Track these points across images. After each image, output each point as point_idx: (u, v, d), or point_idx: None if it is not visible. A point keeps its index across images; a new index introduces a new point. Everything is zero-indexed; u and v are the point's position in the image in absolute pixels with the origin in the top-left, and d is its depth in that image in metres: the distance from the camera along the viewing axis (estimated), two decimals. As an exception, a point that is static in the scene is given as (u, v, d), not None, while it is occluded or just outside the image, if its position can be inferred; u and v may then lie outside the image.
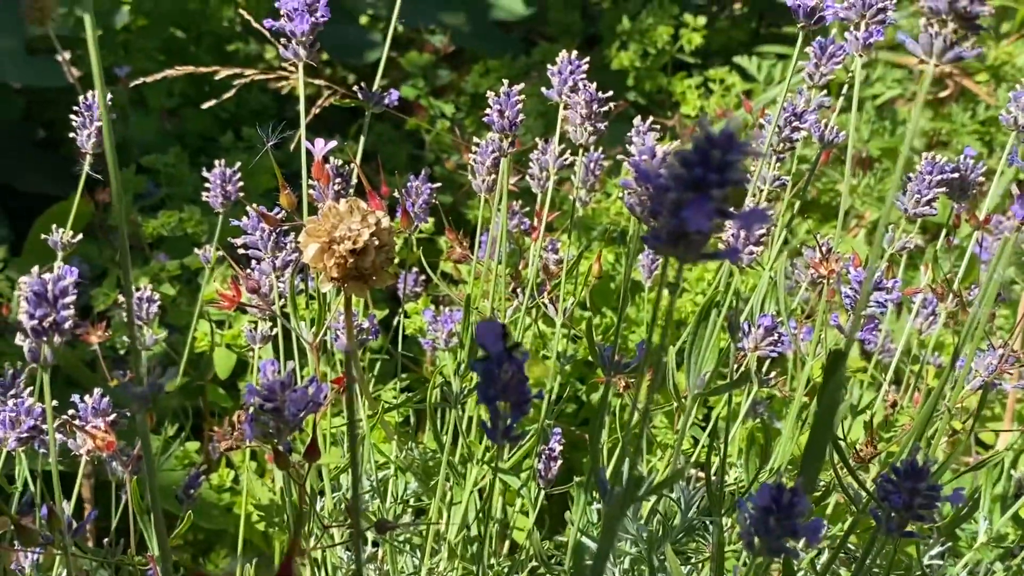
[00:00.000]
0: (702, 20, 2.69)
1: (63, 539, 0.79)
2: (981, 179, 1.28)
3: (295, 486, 0.81)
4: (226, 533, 1.65)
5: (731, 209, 0.61)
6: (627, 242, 2.04)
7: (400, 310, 1.61)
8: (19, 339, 0.74)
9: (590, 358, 1.93)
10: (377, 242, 0.87)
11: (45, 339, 0.73)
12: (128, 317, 0.61)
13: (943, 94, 2.64)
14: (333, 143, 0.98)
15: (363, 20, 3.33)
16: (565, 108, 1.18)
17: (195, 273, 1.96)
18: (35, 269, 0.74)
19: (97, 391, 0.94)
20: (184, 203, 2.08)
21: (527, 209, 1.61)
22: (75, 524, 0.83)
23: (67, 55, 1.38)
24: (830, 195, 2.44)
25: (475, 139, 1.24)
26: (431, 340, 1.57)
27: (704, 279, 1.92)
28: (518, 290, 1.40)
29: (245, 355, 1.79)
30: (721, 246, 1.08)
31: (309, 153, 1.06)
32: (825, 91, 1.25)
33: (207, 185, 1.36)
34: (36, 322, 0.72)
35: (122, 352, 1.76)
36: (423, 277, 1.78)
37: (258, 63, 3.14)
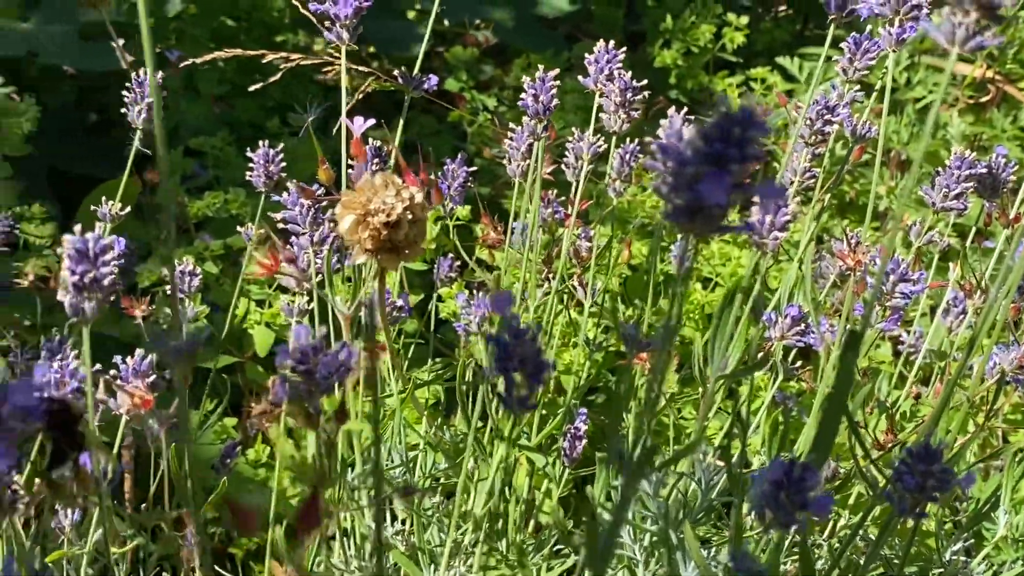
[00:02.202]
0: (744, 19, 2.70)
1: (98, 491, 0.83)
2: (1012, 178, 1.29)
3: (324, 447, 0.84)
4: (260, 508, 1.68)
5: (748, 183, 0.64)
6: (657, 232, 2.06)
7: (435, 295, 1.64)
8: (60, 295, 0.78)
9: (622, 348, 1.95)
10: (410, 216, 0.90)
11: (86, 295, 0.76)
12: (168, 265, 0.64)
13: (984, 99, 2.63)
14: (371, 121, 1.01)
15: (410, 15, 3.38)
16: (601, 96, 1.21)
17: (239, 253, 2.00)
18: (78, 228, 0.77)
19: (138, 353, 0.97)
20: (231, 186, 2.13)
21: (562, 198, 1.64)
22: (110, 476, 0.87)
23: (115, 42, 1.42)
24: (868, 196, 2.44)
25: (511, 125, 1.27)
26: (464, 324, 1.60)
27: (737, 274, 1.93)
28: (550, 276, 1.43)
29: (283, 334, 1.83)
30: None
31: (349, 134, 1.09)
32: (861, 90, 1.27)
33: (251, 165, 1.40)
34: (77, 278, 0.76)
35: (164, 328, 1.81)
36: (458, 263, 1.81)
37: (307, 54, 3.19)
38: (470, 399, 1.35)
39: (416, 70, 1.28)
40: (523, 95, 1.16)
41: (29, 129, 1.93)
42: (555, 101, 1.15)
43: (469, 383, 1.32)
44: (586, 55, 1.23)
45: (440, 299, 1.83)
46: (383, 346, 0.98)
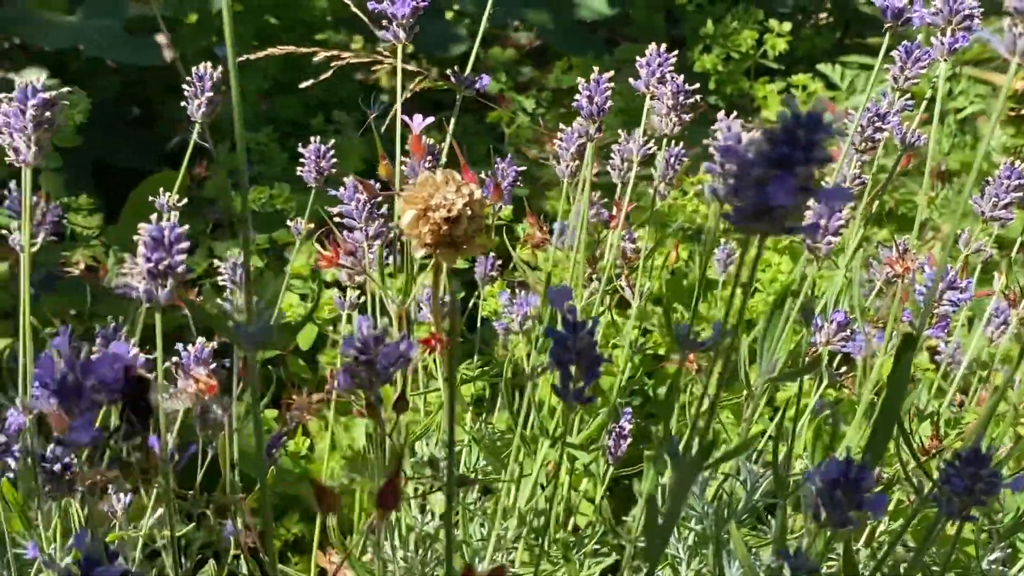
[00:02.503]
0: (787, 26, 2.70)
1: (165, 469, 0.85)
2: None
3: (381, 437, 0.86)
4: (299, 499, 1.71)
5: (813, 187, 0.65)
6: (702, 238, 2.07)
7: (476, 293, 1.66)
8: (134, 281, 0.80)
9: (659, 351, 1.96)
10: (470, 212, 0.91)
11: (160, 281, 0.78)
12: (244, 249, 0.66)
13: (1027, 110, 2.62)
14: (430, 119, 1.03)
15: (448, 15, 3.40)
16: (652, 99, 1.22)
17: (283, 247, 2.03)
18: (153, 217, 0.79)
19: (199, 340, 0.99)
20: (274, 181, 2.16)
21: (605, 200, 1.65)
22: (176, 457, 0.89)
23: (167, 36, 1.45)
24: (907, 206, 2.44)
25: (561, 125, 1.29)
26: (506, 323, 1.61)
27: (777, 280, 1.94)
28: (594, 276, 1.44)
29: (325, 328, 1.85)
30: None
31: (403, 131, 1.11)
32: (910, 97, 1.27)
33: (302, 160, 1.41)
34: (152, 264, 0.78)
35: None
36: (499, 263, 1.82)
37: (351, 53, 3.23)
38: (513, 396, 1.37)
39: (468, 70, 1.30)
40: (577, 96, 1.17)
41: (80, 121, 1.96)
42: (609, 103, 1.16)
43: (509, 380, 1.33)
44: (637, 58, 1.24)
45: (481, 297, 1.85)
46: (439, 338, 1.00)
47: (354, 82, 2.91)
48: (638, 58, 1.23)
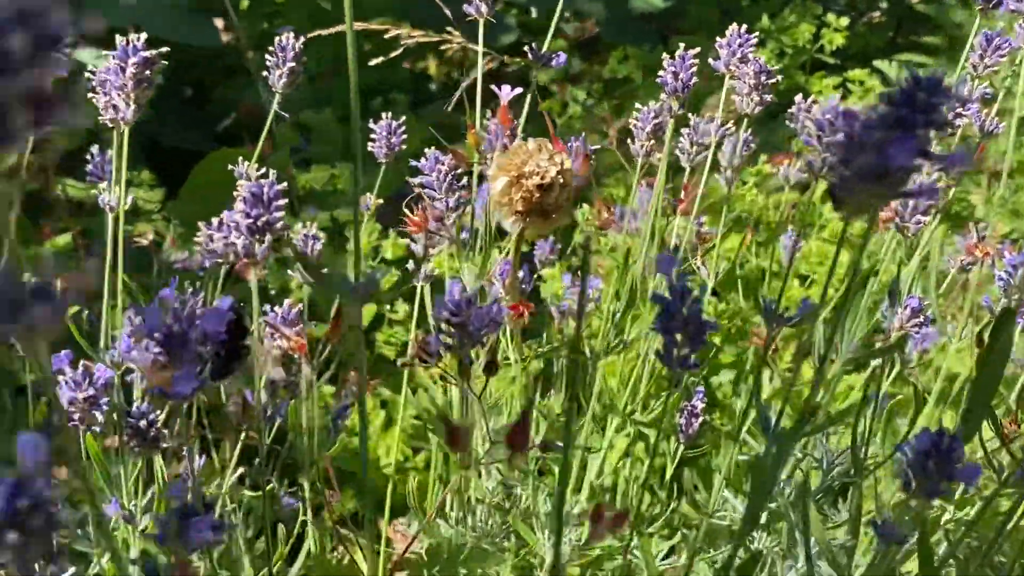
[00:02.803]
0: (845, 21, 2.69)
1: (260, 425, 0.85)
2: None
3: (472, 398, 0.86)
4: (355, 475, 1.72)
5: (932, 150, 0.65)
6: (762, 229, 2.07)
7: (535, 275, 1.67)
8: (233, 236, 0.81)
9: (714, 339, 1.96)
10: (561, 180, 0.92)
11: (258, 237, 0.79)
12: (354, 212, 0.66)
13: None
14: (519, 90, 1.03)
15: (496, 6, 3.41)
16: (732, 78, 1.22)
17: (343, 226, 2.04)
18: (253, 175, 0.80)
19: (287, 302, 1.00)
20: (332, 160, 2.17)
21: (669, 186, 1.65)
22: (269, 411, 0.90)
23: (233, 17, 1.46)
24: (961, 205, 2.43)
25: (637, 105, 1.29)
26: (567, 304, 1.62)
27: (836, 274, 1.93)
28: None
29: (382, 308, 1.86)
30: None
31: (486, 102, 1.12)
32: (989, 85, 1.27)
33: (372, 136, 1.42)
34: (252, 220, 0.79)
35: (273, 292, 1.85)
36: (558, 246, 1.83)
37: (396, 39, 3.24)
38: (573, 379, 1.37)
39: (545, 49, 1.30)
40: (661, 72, 1.17)
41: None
42: (693, 79, 1.16)
43: (582, 359, 1.33)
44: (717, 39, 1.24)
45: (540, 279, 1.86)
46: (529, 306, 1.00)
47: (403, 69, 2.92)
48: (718, 39, 1.24)
